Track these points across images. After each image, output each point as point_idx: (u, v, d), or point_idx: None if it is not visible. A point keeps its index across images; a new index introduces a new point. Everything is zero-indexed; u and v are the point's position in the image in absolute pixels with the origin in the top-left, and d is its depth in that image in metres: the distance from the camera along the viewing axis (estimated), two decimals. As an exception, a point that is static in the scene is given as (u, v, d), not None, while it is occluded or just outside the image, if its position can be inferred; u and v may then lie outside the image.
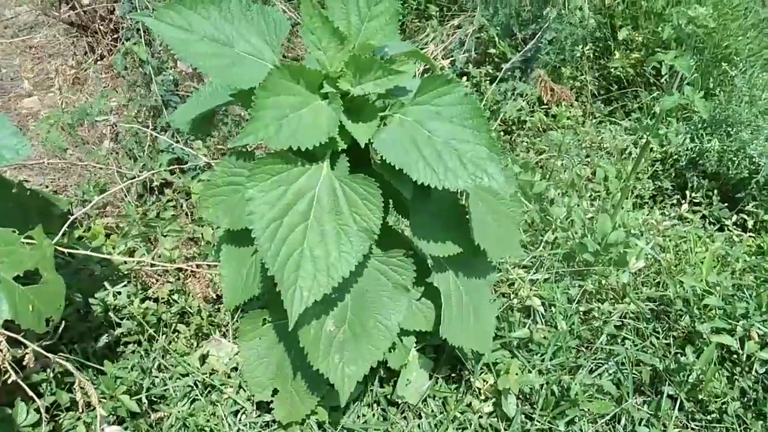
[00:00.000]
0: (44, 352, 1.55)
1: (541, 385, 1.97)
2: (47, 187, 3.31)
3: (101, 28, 4.09)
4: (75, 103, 3.70)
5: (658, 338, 2.23)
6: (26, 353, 1.52)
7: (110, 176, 3.15)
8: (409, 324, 1.69)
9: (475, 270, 1.75)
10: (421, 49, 4.06)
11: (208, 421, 1.87)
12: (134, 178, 3.06)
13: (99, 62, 4.24)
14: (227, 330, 2.16)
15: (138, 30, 3.36)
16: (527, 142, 3.51)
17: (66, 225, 1.81)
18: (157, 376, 1.98)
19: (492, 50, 3.76)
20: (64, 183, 3.35)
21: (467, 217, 1.57)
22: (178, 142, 3.01)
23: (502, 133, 3.53)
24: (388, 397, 1.93)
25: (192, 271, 2.16)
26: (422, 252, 1.57)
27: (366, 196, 1.35)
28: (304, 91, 1.32)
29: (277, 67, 1.26)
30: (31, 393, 1.55)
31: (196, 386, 1.97)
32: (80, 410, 1.58)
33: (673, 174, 3.35)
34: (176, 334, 2.12)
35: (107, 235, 2.63)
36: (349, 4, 1.42)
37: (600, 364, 2.12)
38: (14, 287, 1.48)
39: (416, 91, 1.40)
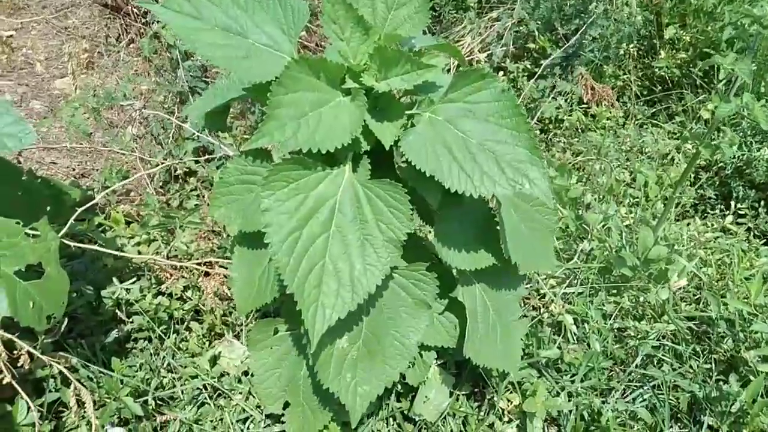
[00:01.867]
0: (38, 354, 1.47)
1: (570, 410, 1.83)
2: (74, 170, 3.27)
3: (134, 10, 4.04)
4: (102, 87, 3.65)
5: (698, 362, 2.07)
6: (21, 354, 1.44)
7: (134, 162, 3.10)
8: (430, 339, 1.57)
9: (504, 283, 1.63)
10: (457, 41, 3.92)
11: (214, 428, 1.78)
12: (157, 165, 3.00)
13: (132, 44, 4.19)
14: (241, 330, 2.07)
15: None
16: (564, 142, 3.35)
17: (73, 217, 1.73)
18: (165, 377, 1.89)
19: (531, 45, 3.60)
20: (91, 166, 3.30)
21: (498, 226, 1.44)
22: (203, 130, 2.93)
23: (538, 132, 3.38)
24: (405, 413, 1.82)
25: (207, 270, 2.07)
26: (447, 263, 1.45)
27: (392, 203, 1.22)
28: (324, 87, 1.20)
29: (295, 60, 1.14)
30: (23, 394, 1.47)
31: (205, 389, 1.88)
32: (74, 416, 1.50)
33: (718, 182, 3.17)
34: (188, 332, 2.04)
35: (128, 223, 2.57)
36: (377, -10, 1.29)
37: (634, 388, 1.97)
38: (15, 282, 1.40)
39: (448, 87, 1.27)
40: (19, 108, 3.66)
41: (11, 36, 4.27)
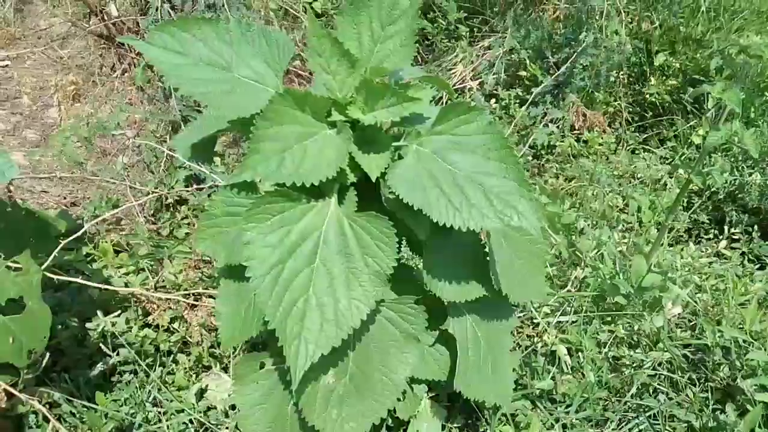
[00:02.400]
0: (15, 392, 1.43)
1: (565, 442, 1.80)
2: (65, 198, 3.26)
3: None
4: (94, 116, 3.65)
5: (694, 390, 2.04)
6: (-1, 393, 1.40)
7: (124, 191, 3.08)
8: (420, 372, 1.54)
9: (495, 314, 1.60)
10: (449, 70, 3.95)
11: (201, 464, 1.74)
12: (148, 194, 2.98)
13: (126, 74, 4.21)
14: (229, 362, 2.03)
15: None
16: (557, 168, 3.35)
17: (57, 249, 1.71)
18: (150, 411, 1.85)
19: (522, 73, 3.63)
20: (83, 195, 3.29)
21: (488, 258, 1.42)
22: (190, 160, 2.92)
23: (530, 158, 3.38)
24: (397, 447, 1.78)
25: (193, 303, 2.04)
26: (437, 294, 1.42)
27: (378, 236, 1.20)
28: (309, 120, 1.19)
29: (280, 94, 1.13)
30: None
31: (191, 424, 1.84)
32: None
33: (711, 207, 3.17)
34: (175, 364, 2.00)
35: (117, 252, 2.55)
36: (362, 24, 1.29)
37: (630, 419, 1.94)
38: (-6, 318, 1.38)
39: (435, 120, 1.26)
40: (12, 137, 3.66)
41: (7, 66, 4.29)
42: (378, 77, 1.25)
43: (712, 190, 3.16)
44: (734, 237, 2.92)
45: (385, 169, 1.22)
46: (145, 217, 2.93)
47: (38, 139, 3.65)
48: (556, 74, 3.35)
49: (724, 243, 2.78)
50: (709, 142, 1.75)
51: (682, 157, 3.36)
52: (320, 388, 1.32)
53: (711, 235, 2.99)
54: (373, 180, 1.21)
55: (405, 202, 1.19)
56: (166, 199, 2.99)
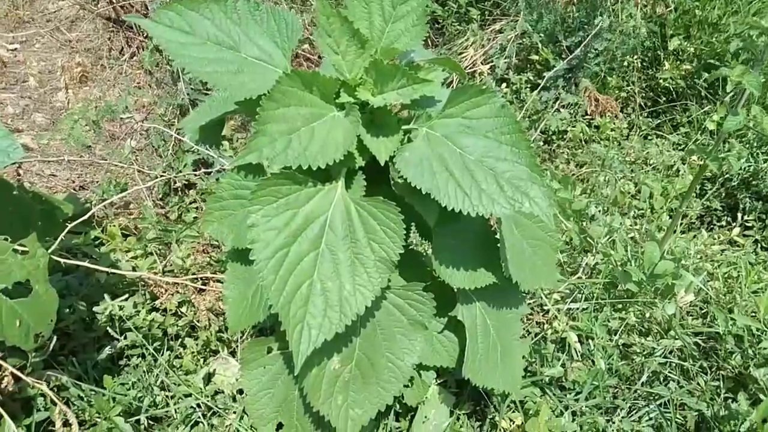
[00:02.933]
0: (22, 375, 1.43)
1: (574, 430, 1.78)
2: (73, 182, 3.25)
3: (136, 23, 4.04)
4: (103, 100, 3.64)
5: (705, 379, 2.02)
6: (4, 375, 1.40)
7: (132, 175, 3.07)
8: (429, 359, 1.53)
9: (505, 302, 1.58)
10: (460, 53, 3.90)
11: (208, 448, 1.74)
12: (156, 178, 2.97)
13: (134, 58, 4.19)
14: (237, 347, 2.03)
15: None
16: (568, 153, 3.31)
17: (64, 232, 1.70)
18: (158, 395, 1.85)
19: (534, 57, 3.57)
20: (91, 179, 3.28)
21: (498, 244, 1.40)
22: (198, 143, 2.91)
23: (541, 143, 3.34)
24: (404, 433, 1.77)
25: (201, 287, 2.03)
26: (446, 281, 1.40)
27: (386, 222, 1.18)
28: (318, 101, 1.16)
29: (287, 74, 1.10)
30: (5, 415, 1.43)
31: (199, 408, 1.84)
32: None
33: (724, 194, 3.12)
34: (183, 348, 2.00)
35: (125, 236, 2.54)
36: (372, 3, 1.25)
37: (640, 407, 1.92)
38: (1, 301, 1.37)
39: (446, 102, 1.23)
40: (21, 120, 3.65)
41: (15, 49, 4.28)
42: (388, 58, 1.22)
43: (726, 176, 3.12)
44: (747, 224, 2.88)
45: (394, 152, 1.20)
46: (153, 201, 2.92)
47: (47, 123, 3.64)
48: (569, 58, 3.29)
49: (737, 230, 2.74)
50: (727, 126, 1.71)
51: (696, 143, 3.31)
52: (326, 373, 1.30)
53: (724, 222, 2.95)
54: (382, 164, 1.18)
55: (413, 186, 1.17)
56: (175, 183, 2.98)
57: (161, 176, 2.98)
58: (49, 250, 1.53)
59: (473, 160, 1.19)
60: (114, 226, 2.50)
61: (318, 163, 1.11)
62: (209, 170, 2.87)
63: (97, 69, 4.06)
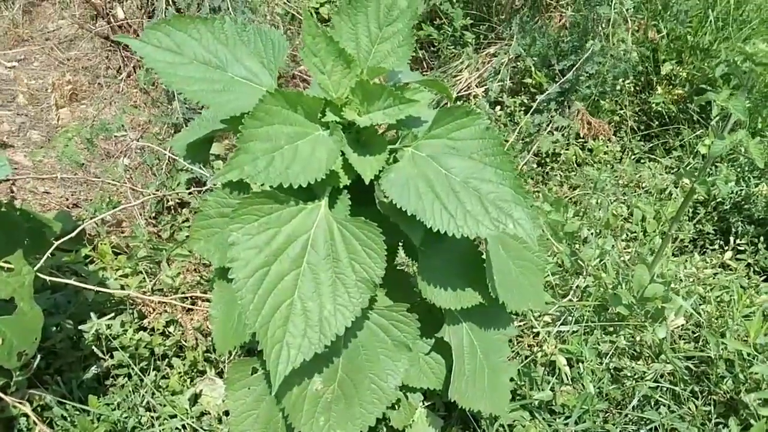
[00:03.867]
0: (3, 395, 1.41)
1: (563, 455, 1.76)
2: (67, 199, 3.25)
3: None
4: (98, 118, 3.66)
5: (696, 403, 2.00)
6: (-16, 394, 1.39)
7: (126, 193, 3.08)
8: (415, 381, 1.51)
9: (492, 323, 1.57)
10: (455, 76, 3.93)
11: (192, 470, 1.72)
12: (148, 196, 2.98)
13: (131, 77, 4.21)
14: (224, 367, 2.01)
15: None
16: (561, 175, 3.33)
17: (50, 250, 1.69)
18: (143, 416, 1.83)
19: (528, 80, 3.60)
20: (85, 197, 3.28)
21: (485, 264, 1.40)
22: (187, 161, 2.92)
23: (535, 165, 3.35)
24: (391, 456, 1.75)
25: (189, 307, 2.02)
26: (431, 301, 1.40)
27: (367, 243, 1.18)
28: (302, 120, 1.17)
29: (270, 93, 1.11)
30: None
31: (184, 429, 1.82)
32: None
33: (716, 218, 3.13)
34: (169, 368, 1.98)
35: (116, 254, 2.53)
36: (359, 24, 1.27)
37: (631, 431, 1.90)
38: (-16, 318, 1.36)
39: (432, 122, 1.24)
40: (17, 138, 3.66)
41: (14, 67, 4.30)
42: (375, 77, 1.23)
43: (718, 200, 3.13)
44: (740, 248, 2.88)
45: (380, 171, 1.20)
46: (146, 219, 2.92)
47: (43, 140, 3.65)
48: (561, 81, 3.32)
49: (729, 254, 2.74)
50: (713, 151, 1.72)
51: (688, 167, 3.33)
52: (308, 394, 1.29)
53: (716, 246, 2.95)
54: (367, 182, 1.18)
55: (399, 207, 1.17)
56: (167, 201, 2.98)
57: (153, 194, 2.99)
58: (35, 268, 1.53)
59: (458, 181, 1.20)
60: (105, 244, 2.50)
61: (300, 182, 1.11)
62: (201, 189, 2.88)
63: (95, 87, 4.08)
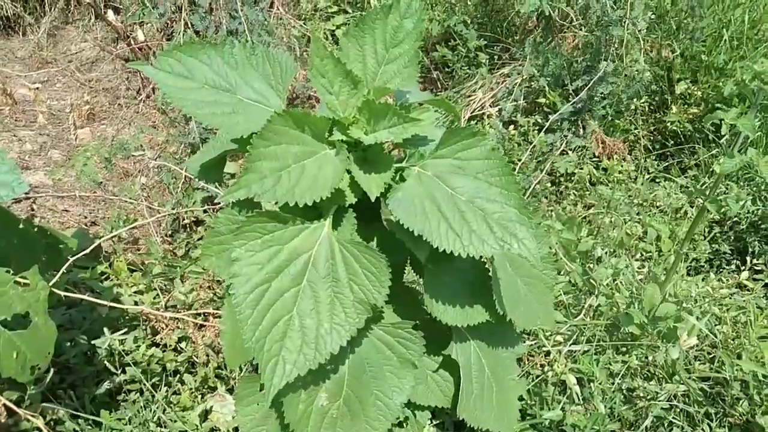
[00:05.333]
0: (16, 408, 1.44)
1: (573, 475, 1.75)
2: (85, 217, 3.31)
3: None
4: (116, 138, 3.74)
5: (711, 425, 1.97)
6: (-2, 407, 1.41)
7: (142, 211, 3.13)
8: (423, 398, 1.52)
9: (500, 341, 1.57)
10: (469, 96, 3.96)
11: (201, 486, 1.73)
12: (165, 214, 3.02)
13: (149, 98, 4.30)
14: (235, 384, 2.02)
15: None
16: (575, 195, 3.32)
17: (65, 266, 1.73)
18: (154, 431, 1.85)
19: (542, 100, 3.62)
20: (103, 215, 3.34)
21: (491, 281, 1.40)
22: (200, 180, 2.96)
23: (549, 185, 3.35)
24: (399, 475, 1.74)
25: (201, 323, 2.05)
26: (438, 318, 1.40)
27: (368, 267, 1.20)
28: (309, 140, 1.19)
29: (278, 114, 1.14)
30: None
31: (195, 446, 1.84)
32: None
33: (733, 237, 3.09)
34: (180, 384, 2.00)
35: (131, 271, 2.57)
36: (366, 46, 1.30)
37: (643, 453, 1.88)
38: (-1, 332, 1.39)
39: (438, 143, 1.26)
40: (38, 157, 3.75)
41: (37, 89, 4.41)
42: (381, 97, 1.26)
43: (734, 219, 3.10)
44: (757, 268, 2.84)
45: (386, 189, 1.22)
46: (162, 237, 2.97)
47: (63, 160, 3.73)
48: (574, 101, 3.33)
49: (746, 274, 2.71)
50: (723, 169, 1.71)
51: (703, 186, 3.31)
52: (313, 410, 1.30)
53: (733, 266, 2.92)
54: (373, 199, 1.20)
55: (407, 228, 1.19)
56: (183, 219, 3.03)
57: (170, 213, 3.03)
58: (50, 283, 1.56)
59: (464, 200, 1.21)
60: (121, 261, 2.54)
61: (306, 200, 1.13)
62: (216, 207, 2.92)
63: (114, 108, 4.18)
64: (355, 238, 1.25)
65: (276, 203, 1.14)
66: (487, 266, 1.46)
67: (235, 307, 1.13)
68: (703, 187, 3.29)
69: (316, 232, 1.21)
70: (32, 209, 3.24)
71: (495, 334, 1.54)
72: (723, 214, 3.06)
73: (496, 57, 4.05)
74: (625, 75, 3.38)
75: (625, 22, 3.30)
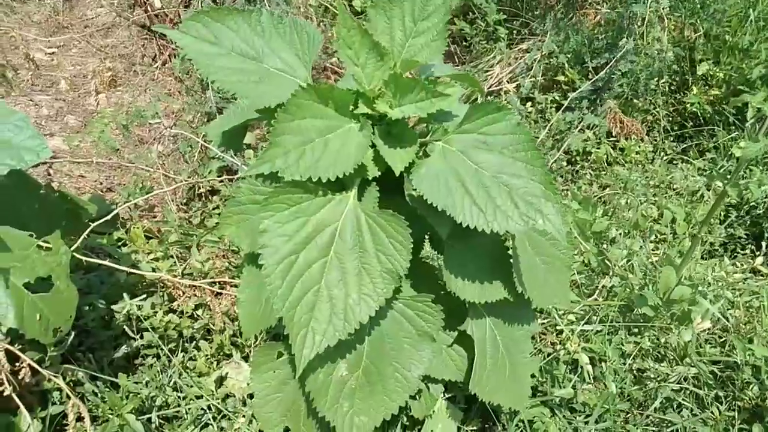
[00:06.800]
0: (39, 368, 1.47)
1: (582, 453, 1.77)
2: (101, 183, 3.33)
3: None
4: (133, 105, 3.73)
5: (720, 408, 1.98)
6: (22, 366, 1.44)
7: (158, 179, 3.14)
8: (437, 372, 1.53)
9: (516, 318, 1.58)
10: (486, 71, 3.92)
11: (216, 451, 1.76)
12: (180, 183, 3.03)
13: (166, 65, 4.28)
14: (250, 351, 2.05)
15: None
16: (591, 174, 3.30)
17: (86, 232, 1.74)
18: (170, 395, 1.88)
19: (560, 77, 3.58)
20: (119, 181, 3.35)
21: (511, 259, 1.41)
22: (220, 148, 2.96)
23: (565, 164, 3.33)
24: (411, 446, 1.77)
25: (218, 291, 2.07)
26: (456, 294, 1.41)
27: (394, 235, 1.20)
28: (333, 114, 1.19)
29: (303, 87, 1.13)
30: (21, 407, 1.47)
31: (209, 410, 1.87)
32: (72, 431, 1.49)
33: (749, 222, 3.07)
34: (197, 351, 2.03)
35: (148, 239, 2.59)
36: (394, 18, 1.28)
37: (651, 433, 1.90)
38: (23, 294, 1.41)
39: (463, 118, 1.25)
40: (54, 122, 3.75)
41: (53, 53, 4.40)
42: (408, 70, 1.25)
43: (751, 204, 3.07)
44: (772, 253, 2.83)
45: (410, 164, 1.22)
46: (177, 205, 2.98)
47: (79, 125, 3.73)
48: (594, 79, 3.29)
49: (761, 259, 2.70)
50: (747, 153, 1.69)
51: (722, 170, 3.28)
52: (333, 380, 1.32)
53: (747, 251, 2.90)
54: (397, 174, 1.20)
55: (430, 203, 1.19)
56: (199, 188, 3.04)
57: (186, 181, 3.04)
58: (72, 248, 1.58)
59: (489, 175, 1.21)
60: (138, 228, 2.56)
61: (329, 175, 1.13)
62: (232, 177, 2.92)
63: (130, 75, 4.16)
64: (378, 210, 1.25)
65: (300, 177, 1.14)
66: (506, 244, 1.46)
67: (265, 278, 1.14)
68: (722, 170, 3.26)
69: (341, 203, 1.21)
70: (49, 174, 3.25)
71: (510, 311, 1.55)
72: (741, 198, 3.03)
73: (514, 32, 3.99)
74: (646, 53, 3.33)
75: (648, 0, 3.24)
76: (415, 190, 1.21)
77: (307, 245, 1.18)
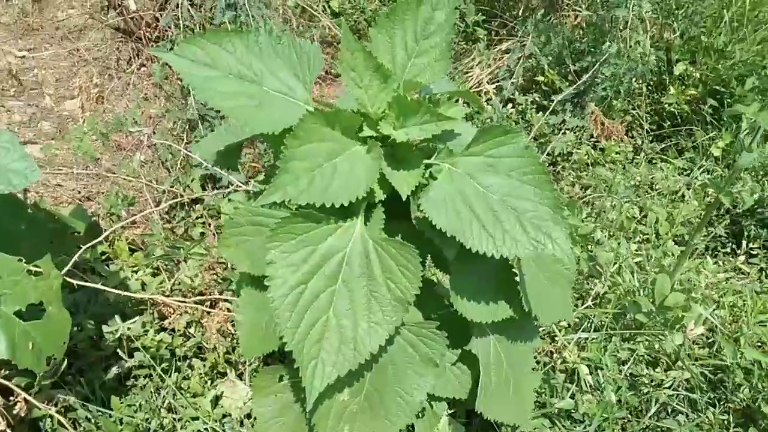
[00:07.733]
0: (32, 400, 1.42)
1: (583, 463, 1.78)
2: (79, 192, 3.24)
3: (146, 34, 4.03)
4: (111, 111, 3.65)
5: (713, 412, 2.01)
6: (17, 400, 1.39)
7: (140, 188, 3.07)
8: (441, 391, 1.52)
9: (520, 335, 1.58)
10: (466, 73, 3.92)
11: (215, 473, 1.73)
12: (163, 192, 2.98)
13: (143, 69, 4.19)
14: (244, 369, 2.02)
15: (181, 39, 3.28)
16: (573, 175, 3.32)
17: (77, 255, 1.69)
18: (165, 417, 1.84)
19: (540, 78, 3.59)
20: (97, 190, 3.27)
21: (516, 277, 1.40)
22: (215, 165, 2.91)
23: (547, 165, 3.35)
24: (413, 463, 1.76)
25: (208, 310, 2.03)
26: (463, 315, 1.40)
27: (403, 263, 1.18)
28: (339, 137, 1.16)
29: (310, 112, 1.10)
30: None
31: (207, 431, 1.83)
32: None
33: (729, 221, 3.12)
34: (190, 370, 1.99)
35: (132, 251, 2.54)
36: (396, 37, 1.26)
37: (648, 440, 1.92)
38: (14, 323, 1.36)
39: (471, 141, 1.24)
40: (28, 128, 3.65)
41: (23, 57, 4.28)
42: (411, 91, 1.23)
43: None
44: (752, 252, 2.87)
45: (416, 187, 1.20)
46: (159, 214, 2.92)
47: (54, 132, 3.63)
48: (578, 83, 3.31)
49: (742, 258, 2.74)
50: (742, 163, 1.71)
51: (701, 169, 3.33)
52: (334, 404, 1.30)
53: (728, 249, 2.95)
54: (404, 198, 1.18)
55: (438, 228, 1.17)
56: (182, 197, 2.98)
57: (169, 191, 2.99)
58: (63, 271, 1.53)
59: (496, 199, 1.19)
60: (121, 241, 2.50)
61: (340, 201, 1.11)
62: (218, 191, 2.88)
63: (104, 79, 4.06)
64: (384, 234, 1.23)
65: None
66: (511, 263, 1.45)
67: (273, 310, 1.12)
68: (701, 169, 3.31)
69: (348, 231, 1.19)
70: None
71: (515, 328, 1.54)
72: (731, 203, 3.08)
73: (494, 33, 4.00)
74: (629, 57, 3.35)
75: (630, 3, 3.26)
76: (422, 212, 1.20)
77: (315, 274, 1.16)
